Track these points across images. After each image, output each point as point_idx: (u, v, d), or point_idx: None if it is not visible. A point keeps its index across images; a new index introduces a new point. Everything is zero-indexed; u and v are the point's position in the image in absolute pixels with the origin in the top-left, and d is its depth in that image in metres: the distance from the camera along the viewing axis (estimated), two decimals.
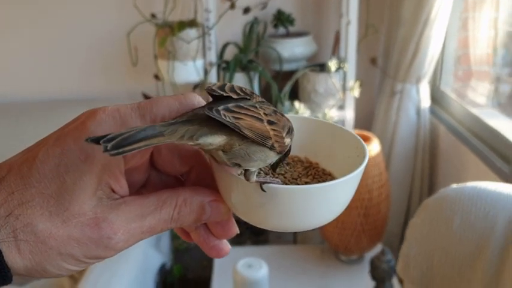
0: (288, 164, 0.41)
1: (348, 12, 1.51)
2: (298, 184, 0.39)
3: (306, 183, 0.39)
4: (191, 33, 1.52)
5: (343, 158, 0.39)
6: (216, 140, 0.31)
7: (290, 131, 0.35)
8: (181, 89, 1.70)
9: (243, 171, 0.33)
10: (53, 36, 1.84)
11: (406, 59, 1.59)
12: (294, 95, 1.62)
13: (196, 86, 1.70)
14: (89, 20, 1.82)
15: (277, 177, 0.36)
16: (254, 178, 0.33)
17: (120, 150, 0.27)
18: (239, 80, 1.59)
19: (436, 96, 1.73)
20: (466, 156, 1.47)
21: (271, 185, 0.33)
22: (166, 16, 1.56)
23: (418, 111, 1.65)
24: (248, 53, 1.62)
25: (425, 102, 1.65)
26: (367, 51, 1.74)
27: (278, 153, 0.34)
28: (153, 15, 1.59)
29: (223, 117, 0.30)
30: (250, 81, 1.59)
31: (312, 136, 0.42)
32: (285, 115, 0.36)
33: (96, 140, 0.27)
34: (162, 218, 0.33)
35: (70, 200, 0.30)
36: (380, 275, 1.25)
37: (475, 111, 1.52)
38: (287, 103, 1.57)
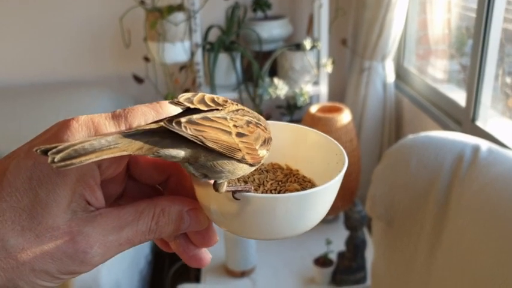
0: (267, 171, 0.41)
1: None
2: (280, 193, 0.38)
3: (287, 191, 0.39)
4: (179, 16, 1.65)
5: (323, 164, 0.39)
6: (180, 153, 0.30)
7: (266, 142, 0.34)
8: (171, 68, 1.82)
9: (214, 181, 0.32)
10: (45, 20, 1.89)
11: (372, 39, 1.76)
12: (273, 72, 1.77)
13: (182, 68, 1.84)
14: (79, 5, 1.88)
15: (249, 185, 0.34)
16: (224, 189, 0.32)
17: (68, 162, 0.25)
18: (223, 59, 1.74)
19: (400, 73, 1.92)
20: (426, 122, 1.66)
21: (243, 193, 0.32)
22: (155, 2, 1.69)
23: (385, 86, 1.83)
24: (230, 35, 1.76)
25: (391, 77, 1.83)
26: (338, 32, 1.90)
27: (251, 165, 0.33)
28: (142, 1, 1.71)
29: (183, 129, 0.29)
30: (233, 60, 1.74)
31: (293, 143, 0.41)
32: (264, 123, 0.35)
33: (46, 151, 0.25)
34: (140, 230, 0.32)
35: (43, 214, 0.28)
36: (353, 224, 1.42)
37: (433, 84, 1.71)
38: (267, 80, 1.72)
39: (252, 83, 1.75)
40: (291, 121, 1.89)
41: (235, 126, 0.32)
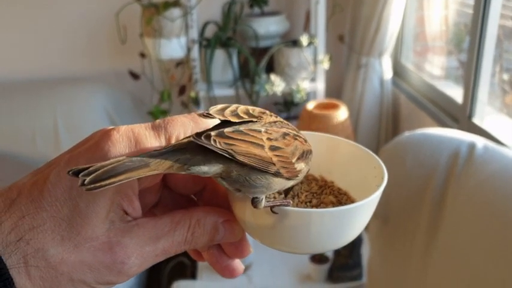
0: (302, 182, 0.40)
1: None
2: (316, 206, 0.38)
3: (322, 204, 0.38)
4: (175, 12, 1.64)
5: (359, 177, 0.38)
6: (211, 168, 0.29)
7: (304, 155, 0.33)
8: (167, 64, 1.82)
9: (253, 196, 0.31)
10: (41, 15, 1.88)
11: (369, 36, 1.75)
12: (270, 69, 1.76)
13: (178, 64, 1.83)
14: (75, 0, 1.87)
15: (288, 199, 0.34)
16: (262, 205, 0.31)
17: (97, 184, 0.25)
18: (219, 56, 1.73)
19: (398, 69, 1.91)
20: (423, 119, 1.66)
21: (281, 207, 0.32)
22: None
23: (382, 82, 1.82)
24: (227, 31, 1.75)
25: (388, 74, 1.83)
26: (335, 28, 1.89)
27: (288, 178, 0.32)
28: None
29: (213, 143, 0.28)
30: (230, 57, 1.73)
31: (328, 154, 0.40)
32: (303, 136, 0.34)
33: (78, 173, 0.26)
34: (176, 240, 0.32)
35: (82, 224, 0.29)
36: None
37: (430, 81, 1.71)
38: (264, 76, 1.72)
39: (249, 80, 1.75)
40: (288, 118, 1.89)
41: (269, 139, 0.31)
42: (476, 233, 0.88)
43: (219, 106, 0.32)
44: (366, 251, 1.38)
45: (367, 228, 1.27)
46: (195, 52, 1.70)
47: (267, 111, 0.33)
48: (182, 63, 1.81)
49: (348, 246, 1.40)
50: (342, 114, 1.61)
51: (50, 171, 0.29)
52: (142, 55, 1.80)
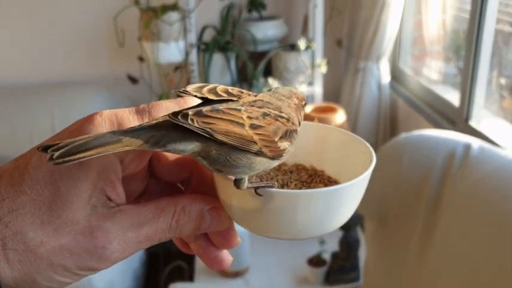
0: (291, 172, 0.39)
1: None
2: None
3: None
4: (173, 16, 1.65)
5: (349, 165, 0.37)
6: (188, 146, 0.29)
7: (288, 134, 0.32)
8: (165, 68, 1.82)
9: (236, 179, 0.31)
10: (39, 20, 1.90)
11: (367, 40, 1.76)
12: (268, 73, 1.77)
13: (177, 68, 1.84)
14: (73, 4, 1.88)
15: (273, 181, 0.33)
16: (245, 186, 0.30)
17: (67, 159, 0.25)
18: (217, 60, 1.74)
19: (395, 74, 1.91)
20: (420, 123, 1.66)
21: (266, 188, 0.31)
22: (150, 1, 1.69)
23: (380, 86, 1.83)
24: (225, 35, 1.76)
25: (386, 78, 1.83)
26: (333, 32, 1.90)
27: (272, 158, 0.31)
28: (136, 1, 1.71)
29: (190, 122, 0.27)
30: (228, 61, 1.74)
31: (317, 142, 0.40)
32: (288, 115, 0.33)
33: (47, 148, 0.25)
34: (160, 227, 0.31)
35: (63, 208, 0.28)
36: (347, 223, 1.42)
37: (428, 85, 1.71)
38: (262, 80, 1.72)
39: (247, 84, 1.75)
40: None
41: (249, 117, 0.30)
42: (472, 232, 0.88)
43: (197, 84, 0.31)
44: (363, 253, 1.37)
45: (364, 230, 1.26)
46: (194, 56, 1.70)
47: (245, 91, 0.33)
48: (180, 67, 1.82)
49: (346, 249, 1.39)
50: (339, 117, 1.61)
51: (32, 156, 0.29)
52: (141, 59, 1.81)
